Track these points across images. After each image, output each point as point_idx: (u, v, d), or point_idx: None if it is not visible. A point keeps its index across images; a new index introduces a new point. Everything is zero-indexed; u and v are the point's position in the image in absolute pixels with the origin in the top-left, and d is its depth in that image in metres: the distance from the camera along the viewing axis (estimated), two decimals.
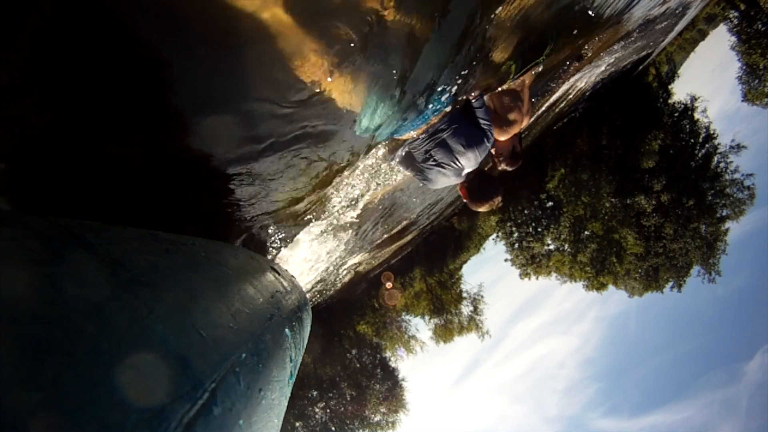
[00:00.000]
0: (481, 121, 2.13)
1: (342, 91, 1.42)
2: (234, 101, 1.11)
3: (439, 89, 2.03)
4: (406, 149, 2.23)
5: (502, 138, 2.41)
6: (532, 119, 6.79)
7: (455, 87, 2.11)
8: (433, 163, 2.14)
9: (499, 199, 2.20)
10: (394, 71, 1.59)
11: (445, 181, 2.21)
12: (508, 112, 2.38)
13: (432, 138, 2.10)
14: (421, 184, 2.45)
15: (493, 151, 2.50)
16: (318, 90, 1.29)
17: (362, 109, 1.67)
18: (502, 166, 2.56)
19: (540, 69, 2.81)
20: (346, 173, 2.37)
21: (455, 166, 2.12)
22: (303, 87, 1.24)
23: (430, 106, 2.09)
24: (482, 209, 2.25)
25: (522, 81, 2.60)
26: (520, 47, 2.39)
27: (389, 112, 1.89)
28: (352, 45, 1.24)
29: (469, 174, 2.18)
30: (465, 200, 2.27)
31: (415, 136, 2.19)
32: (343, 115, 1.58)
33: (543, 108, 6.44)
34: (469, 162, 2.12)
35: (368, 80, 1.51)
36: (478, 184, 2.19)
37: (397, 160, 2.35)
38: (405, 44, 1.50)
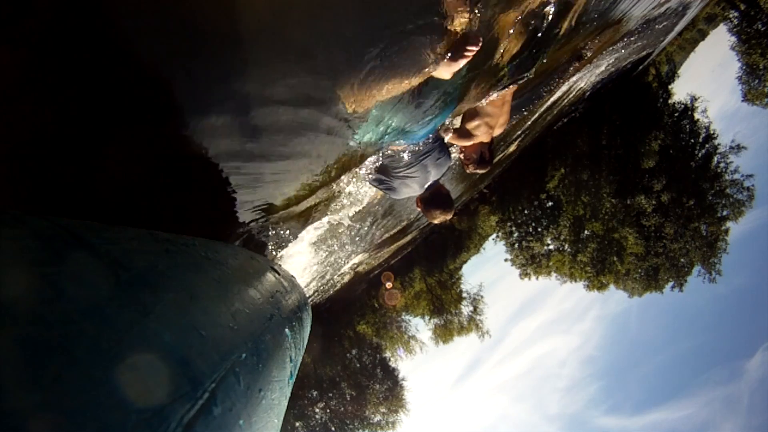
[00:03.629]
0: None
1: (352, 96, 1.42)
2: (236, 101, 1.11)
3: (446, 106, 2.06)
4: (382, 161, 2.39)
5: (468, 144, 2.66)
6: (532, 119, 6.79)
7: (455, 104, 2.16)
8: (408, 175, 2.35)
9: (448, 214, 2.47)
10: (415, 84, 1.59)
11: (408, 192, 2.46)
12: (477, 124, 2.62)
13: (417, 157, 2.31)
14: (383, 193, 2.67)
15: (462, 156, 2.78)
16: (324, 93, 1.29)
17: (369, 116, 1.67)
18: (471, 170, 2.80)
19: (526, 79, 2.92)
20: (346, 175, 2.37)
21: (423, 182, 2.39)
22: (307, 87, 1.24)
23: (431, 125, 2.15)
24: (434, 220, 2.52)
25: (504, 93, 2.74)
26: (513, 61, 2.48)
27: (397, 125, 1.91)
28: (368, 49, 1.23)
29: (429, 187, 2.46)
30: (419, 209, 2.56)
31: (399, 149, 2.31)
32: (347, 120, 1.58)
33: (543, 108, 6.44)
34: (435, 179, 2.41)
35: (389, 90, 1.52)
36: (432, 198, 2.47)
37: (369, 165, 2.53)
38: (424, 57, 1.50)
